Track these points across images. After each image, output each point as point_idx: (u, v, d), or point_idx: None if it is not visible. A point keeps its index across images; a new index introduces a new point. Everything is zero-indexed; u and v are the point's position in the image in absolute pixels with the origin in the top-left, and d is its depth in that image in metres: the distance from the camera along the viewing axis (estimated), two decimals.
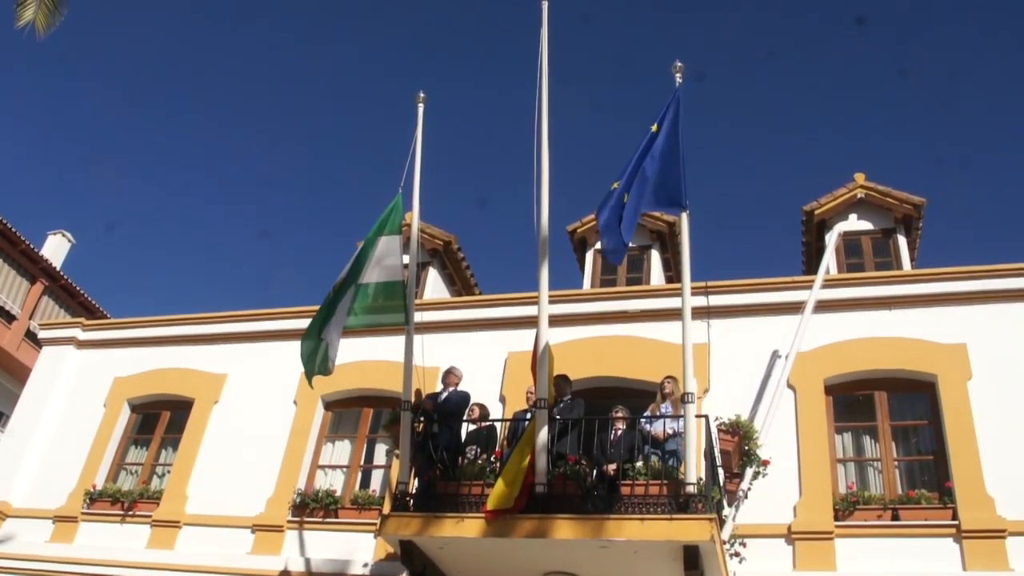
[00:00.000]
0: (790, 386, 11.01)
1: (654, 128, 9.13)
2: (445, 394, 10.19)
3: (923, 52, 40.72)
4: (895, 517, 10.12)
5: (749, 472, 9.70)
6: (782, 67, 42.91)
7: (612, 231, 8.65)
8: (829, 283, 11.66)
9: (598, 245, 14.75)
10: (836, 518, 10.21)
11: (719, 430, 9.51)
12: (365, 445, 12.86)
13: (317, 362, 10.14)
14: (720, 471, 9.39)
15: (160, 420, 14.13)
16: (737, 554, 9.55)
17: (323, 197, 52.06)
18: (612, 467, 8.71)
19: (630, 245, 14.38)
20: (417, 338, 9.85)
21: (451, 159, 42.32)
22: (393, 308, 10.00)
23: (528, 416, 9.17)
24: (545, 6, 10.25)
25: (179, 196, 51.59)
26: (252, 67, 48.82)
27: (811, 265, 13.97)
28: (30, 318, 21.42)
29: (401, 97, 51.75)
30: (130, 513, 13.01)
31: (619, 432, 9.23)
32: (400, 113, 55.52)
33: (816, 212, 13.83)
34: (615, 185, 8.80)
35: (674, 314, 9.95)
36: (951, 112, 41.03)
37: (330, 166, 51.02)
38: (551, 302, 9.58)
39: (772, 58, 41.34)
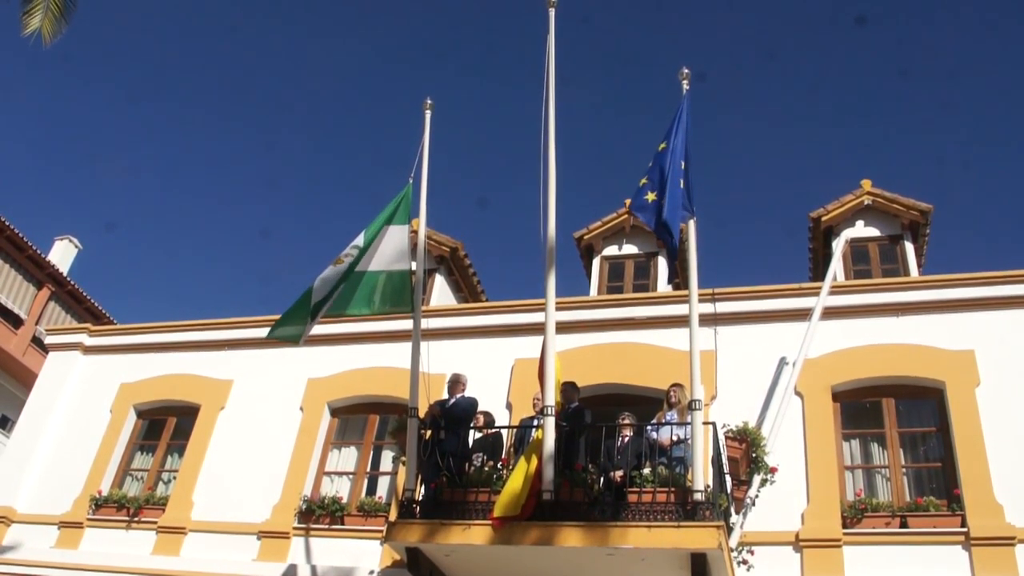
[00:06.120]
0: (797, 393, 10.99)
1: (661, 147, 9.17)
2: (452, 401, 10.18)
3: (925, 51, 40.67)
4: (903, 524, 10.07)
5: (757, 479, 9.66)
6: (788, 72, 42.90)
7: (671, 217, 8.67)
8: (836, 290, 11.63)
9: (605, 251, 14.76)
10: (844, 525, 10.17)
11: (726, 437, 9.47)
12: (371, 452, 12.85)
13: (289, 331, 10.08)
14: (728, 478, 9.37)
15: (166, 426, 14.12)
16: (745, 562, 9.52)
17: (323, 195, 52.10)
18: (619, 474, 8.69)
19: (636, 252, 14.52)
20: (423, 345, 9.82)
21: (458, 164, 42.39)
22: (400, 297, 9.98)
23: (535, 423, 9.15)
24: (552, 13, 10.24)
25: (184, 199, 51.71)
26: (253, 65, 48.93)
27: (818, 272, 13.96)
28: (37, 323, 21.49)
29: (404, 97, 51.87)
30: (136, 519, 12.98)
31: (626, 439, 9.22)
32: (403, 113, 55.63)
33: (823, 219, 13.81)
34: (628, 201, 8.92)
35: (681, 321, 9.98)
36: (957, 115, 40.97)
37: (331, 164, 51.07)
38: (558, 309, 9.56)
39: (776, 62, 41.31)
